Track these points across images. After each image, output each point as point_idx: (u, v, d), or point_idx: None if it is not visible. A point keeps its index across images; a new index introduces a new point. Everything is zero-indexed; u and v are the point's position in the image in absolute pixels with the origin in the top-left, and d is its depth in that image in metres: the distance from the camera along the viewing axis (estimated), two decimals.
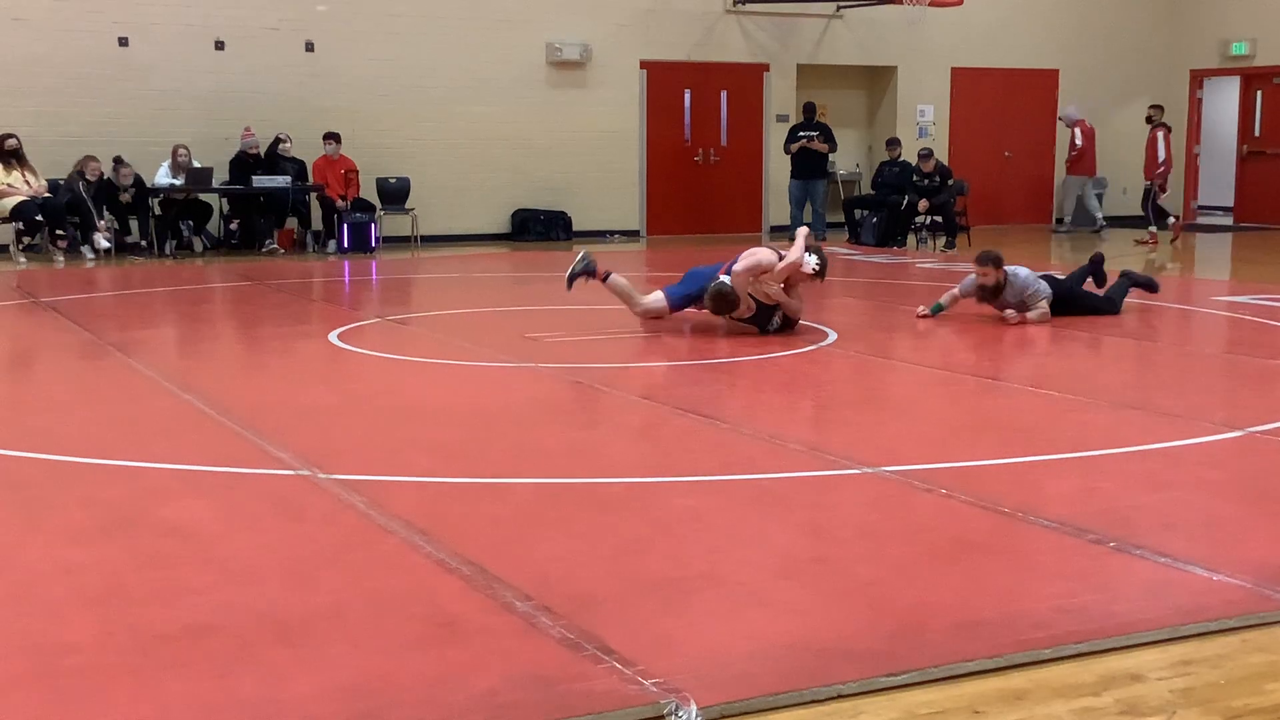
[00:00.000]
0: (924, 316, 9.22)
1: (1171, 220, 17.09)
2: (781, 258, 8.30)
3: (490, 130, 16.78)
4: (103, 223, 14.27)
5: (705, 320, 8.84)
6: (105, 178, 14.48)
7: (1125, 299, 9.53)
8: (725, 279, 8.30)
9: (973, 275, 9.13)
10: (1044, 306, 8.94)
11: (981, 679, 3.09)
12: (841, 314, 9.62)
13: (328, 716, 2.87)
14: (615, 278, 8.79)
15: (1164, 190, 16.82)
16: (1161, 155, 16.70)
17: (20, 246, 13.72)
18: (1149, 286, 9.91)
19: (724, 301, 8.26)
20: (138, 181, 14.66)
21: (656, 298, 8.79)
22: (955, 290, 9.30)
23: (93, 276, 12.91)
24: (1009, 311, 8.96)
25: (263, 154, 15.33)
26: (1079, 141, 18.08)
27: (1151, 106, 17.55)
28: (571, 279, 8.76)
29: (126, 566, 3.89)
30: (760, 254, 8.36)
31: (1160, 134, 16.88)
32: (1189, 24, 20.19)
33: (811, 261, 8.27)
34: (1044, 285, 9.06)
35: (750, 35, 18.19)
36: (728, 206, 18.46)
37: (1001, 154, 19.74)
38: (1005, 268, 9.01)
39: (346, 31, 16.01)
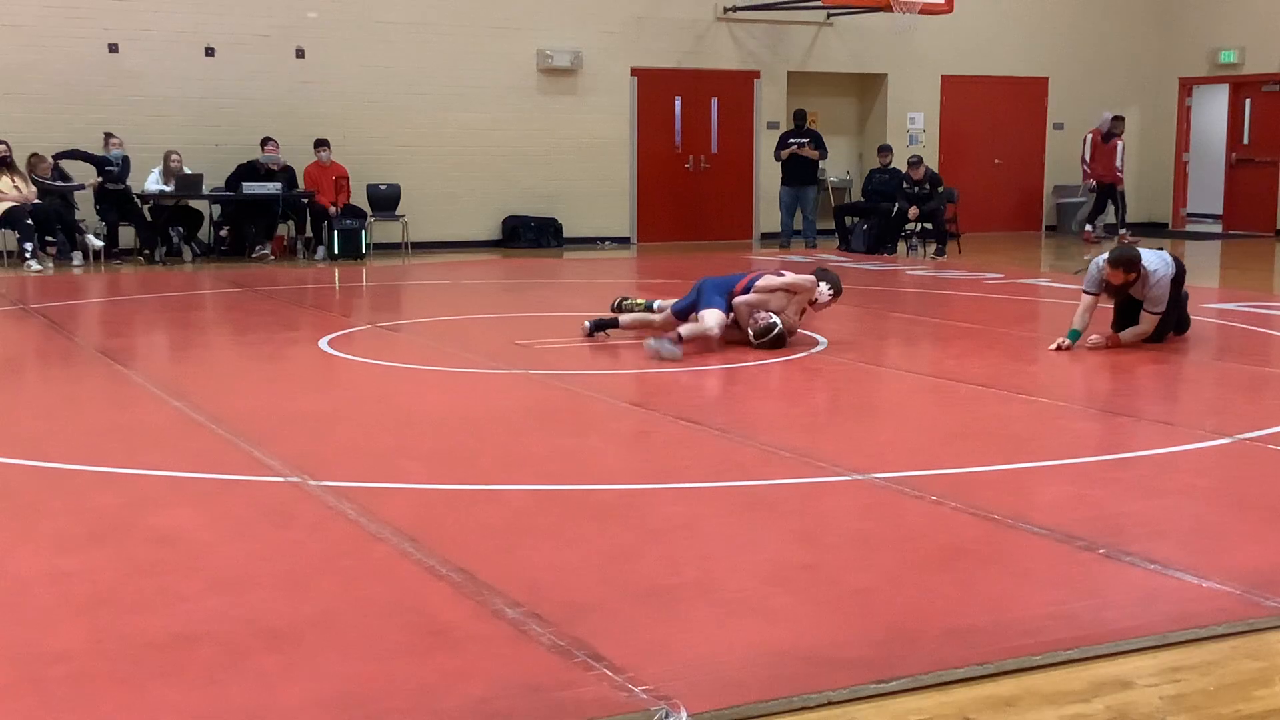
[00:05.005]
0: (1063, 349, 8.14)
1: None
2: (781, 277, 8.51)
3: (481, 137, 16.78)
4: (85, 222, 14.25)
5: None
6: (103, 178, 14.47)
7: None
8: (774, 318, 8.22)
9: (1094, 269, 8.36)
10: (1146, 327, 8.26)
11: (972, 686, 3.09)
12: (832, 321, 9.61)
13: None
14: (624, 316, 8.86)
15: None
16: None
17: (28, 255, 13.61)
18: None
19: (778, 339, 8.22)
20: (124, 163, 14.63)
21: (667, 316, 8.76)
22: (1085, 300, 8.33)
23: (82, 283, 12.88)
24: (1094, 338, 8.26)
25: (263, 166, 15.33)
26: None
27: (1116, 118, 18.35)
28: (595, 329, 8.65)
29: (116, 574, 3.89)
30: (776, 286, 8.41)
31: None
32: (1178, 32, 20.25)
33: (825, 291, 8.56)
34: (1164, 296, 8.23)
35: (741, 42, 18.21)
36: (718, 213, 18.47)
37: (992, 161, 19.78)
38: (1145, 267, 8.15)
39: (337, 38, 16.00)
